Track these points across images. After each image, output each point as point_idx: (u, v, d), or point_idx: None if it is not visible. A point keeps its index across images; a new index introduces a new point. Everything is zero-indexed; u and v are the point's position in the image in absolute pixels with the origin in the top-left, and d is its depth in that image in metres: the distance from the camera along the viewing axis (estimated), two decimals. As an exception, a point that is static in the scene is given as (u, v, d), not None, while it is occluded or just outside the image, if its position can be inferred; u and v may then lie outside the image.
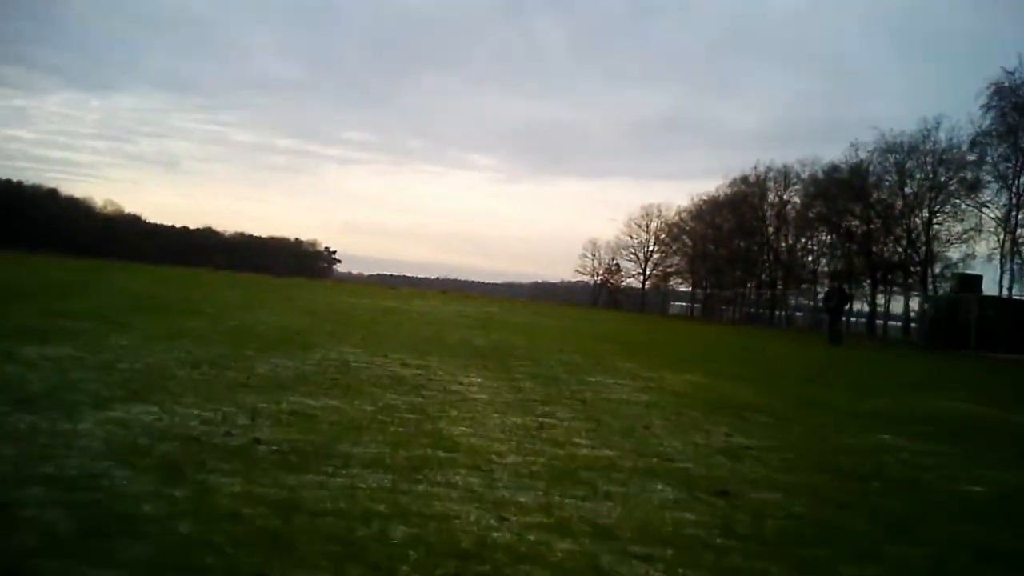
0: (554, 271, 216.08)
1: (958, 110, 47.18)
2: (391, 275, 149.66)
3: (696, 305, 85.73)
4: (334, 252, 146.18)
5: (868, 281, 53.91)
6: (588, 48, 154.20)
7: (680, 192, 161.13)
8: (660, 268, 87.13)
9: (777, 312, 67.35)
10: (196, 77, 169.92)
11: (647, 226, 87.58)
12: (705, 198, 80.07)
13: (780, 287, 66.76)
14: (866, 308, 56.24)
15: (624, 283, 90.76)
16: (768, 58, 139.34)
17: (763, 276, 70.85)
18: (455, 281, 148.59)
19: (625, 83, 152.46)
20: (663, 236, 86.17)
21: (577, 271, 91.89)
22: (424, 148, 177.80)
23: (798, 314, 67.40)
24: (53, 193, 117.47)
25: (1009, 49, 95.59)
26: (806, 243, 63.91)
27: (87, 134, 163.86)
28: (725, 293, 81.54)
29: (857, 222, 53.80)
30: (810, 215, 59.14)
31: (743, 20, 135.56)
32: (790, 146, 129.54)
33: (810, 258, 64.32)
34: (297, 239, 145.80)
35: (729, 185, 76.05)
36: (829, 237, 59.14)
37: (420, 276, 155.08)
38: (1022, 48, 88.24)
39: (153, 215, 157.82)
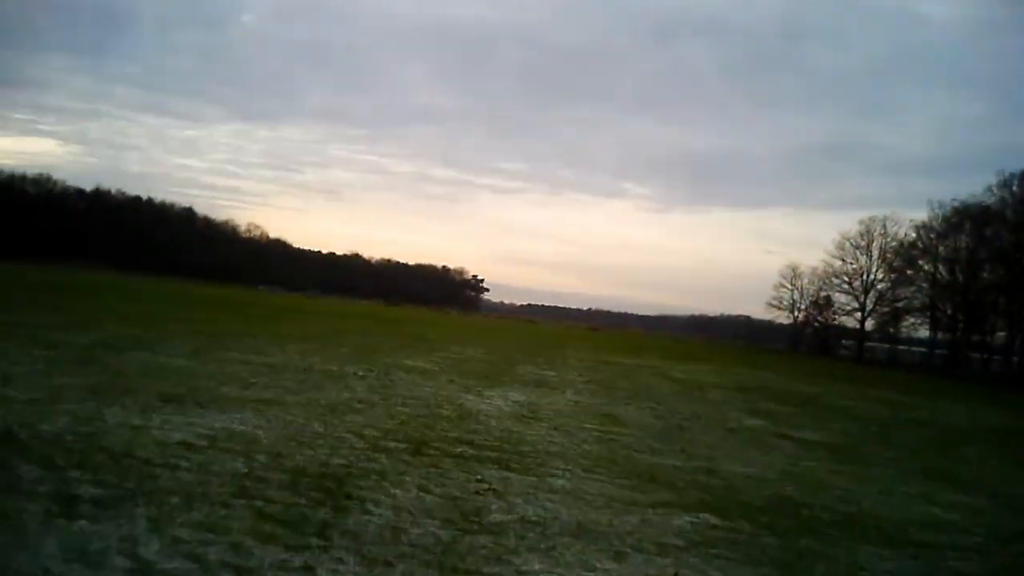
0: (709, 304, 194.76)
1: None
2: (542, 305, 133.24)
3: (938, 351, 60.66)
4: (482, 280, 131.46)
5: None
6: (741, 73, 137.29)
7: (842, 223, 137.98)
8: (886, 303, 62.07)
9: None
10: (356, 109, 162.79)
11: (867, 247, 62.88)
12: (957, 206, 55.64)
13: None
14: None
15: (835, 321, 66.00)
16: (931, 82, 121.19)
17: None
18: (607, 313, 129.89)
19: (780, 109, 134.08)
20: (893, 260, 61.07)
21: (771, 304, 67.90)
22: (576, 177, 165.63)
23: None
24: (189, 213, 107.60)
25: None
26: None
27: (254, 163, 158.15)
28: (986, 339, 56.03)
29: None
30: None
31: (902, 43, 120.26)
32: (961, 174, 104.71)
33: None
34: (444, 267, 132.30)
35: (1003, 185, 51.58)
36: None
37: (571, 307, 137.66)
38: None
39: (314, 243, 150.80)
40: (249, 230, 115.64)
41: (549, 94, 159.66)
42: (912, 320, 60.83)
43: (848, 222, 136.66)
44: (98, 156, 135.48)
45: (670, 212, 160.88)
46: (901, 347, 63.72)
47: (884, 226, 62.14)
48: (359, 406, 8.50)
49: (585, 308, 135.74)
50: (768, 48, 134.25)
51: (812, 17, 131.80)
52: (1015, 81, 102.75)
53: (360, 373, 11.70)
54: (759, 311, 75.20)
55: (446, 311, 73.55)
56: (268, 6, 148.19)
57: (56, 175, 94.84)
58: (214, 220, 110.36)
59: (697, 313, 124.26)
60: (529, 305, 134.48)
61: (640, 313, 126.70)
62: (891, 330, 61.98)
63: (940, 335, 60.55)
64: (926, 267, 59.48)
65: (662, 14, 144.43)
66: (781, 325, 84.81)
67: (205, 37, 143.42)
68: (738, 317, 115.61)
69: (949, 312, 58.08)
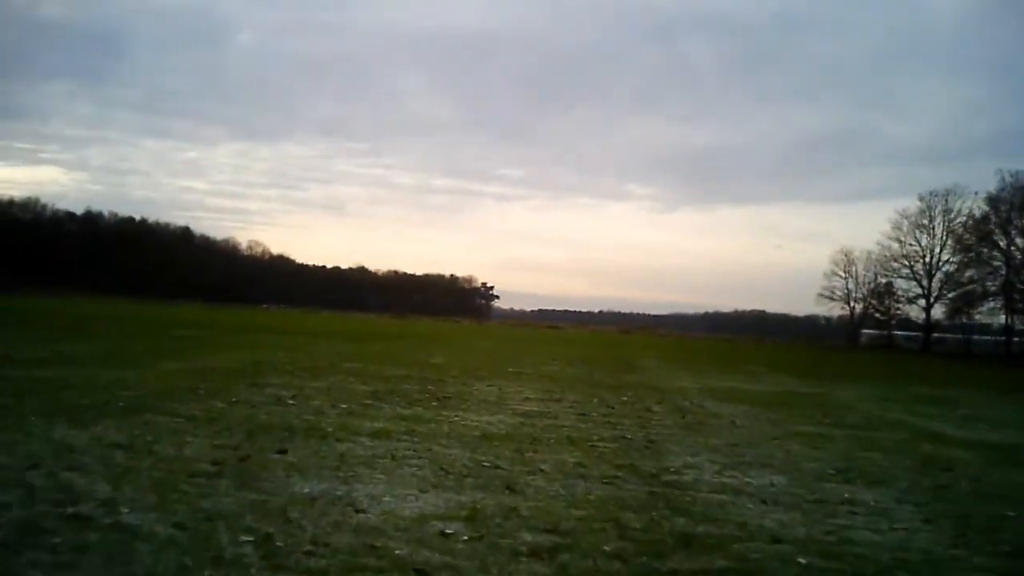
0: (721, 300, 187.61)
1: None
2: (552, 310, 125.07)
3: (1015, 338, 52.35)
4: (491, 288, 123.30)
5: None
6: (740, 68, 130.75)
7: (849, 215, 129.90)
8: (954, 286, 53.61)
9: None
10: (357, 122, 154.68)
11: (929, 226, 54.58)
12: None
13: None
14: None
15: (898, 310, 57.57)
16: (933, 68, 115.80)
17: None
18: (619, 314, 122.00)
19: (780, 101, 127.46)
20: (965, 236, 52.56)
21: (822, 295, 59.45)
22: (579, 181, 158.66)
23: None
24: (186, 233, 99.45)
25: None
26: None
27: (258, 183, 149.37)
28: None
29: None
30: None
31: (902, 30, 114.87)
32: (967, 159, 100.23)
33: None
34: (452, 276, 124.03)
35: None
36: None
37: (583, 310, 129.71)
38: None
39: (319, 259, 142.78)
40: (251, 247, 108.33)
41: (548, 99, 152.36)
42: (991, 305, 52.25)
43: (853, 213, 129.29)
44: (101, 183, 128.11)
45: (675, 212, 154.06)
46: (974, 336, 55.06)
47: (946, 201, 53.98)
48: None
49: (596, 311, 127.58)
50: (766, 41, 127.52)
51: (809, 8, 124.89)
52: (1013, 67, 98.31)
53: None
54: (774, 305, 67.90)
55: (457, 320, 65.50)
56: (263, 23, 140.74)
57: (61, 204, 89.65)
58: (212, 239, 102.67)
59: (711, 310, 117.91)
60: (540, 310, 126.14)
61: (653, 312, 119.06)
62: (964, 319, 53.48)
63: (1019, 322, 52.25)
64: (1001, 243, 51.23)
65: (658, 12, 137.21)
66: (796, 318, 77.24)
67: (202, 57, 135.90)
68: (752, 312, 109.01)
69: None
